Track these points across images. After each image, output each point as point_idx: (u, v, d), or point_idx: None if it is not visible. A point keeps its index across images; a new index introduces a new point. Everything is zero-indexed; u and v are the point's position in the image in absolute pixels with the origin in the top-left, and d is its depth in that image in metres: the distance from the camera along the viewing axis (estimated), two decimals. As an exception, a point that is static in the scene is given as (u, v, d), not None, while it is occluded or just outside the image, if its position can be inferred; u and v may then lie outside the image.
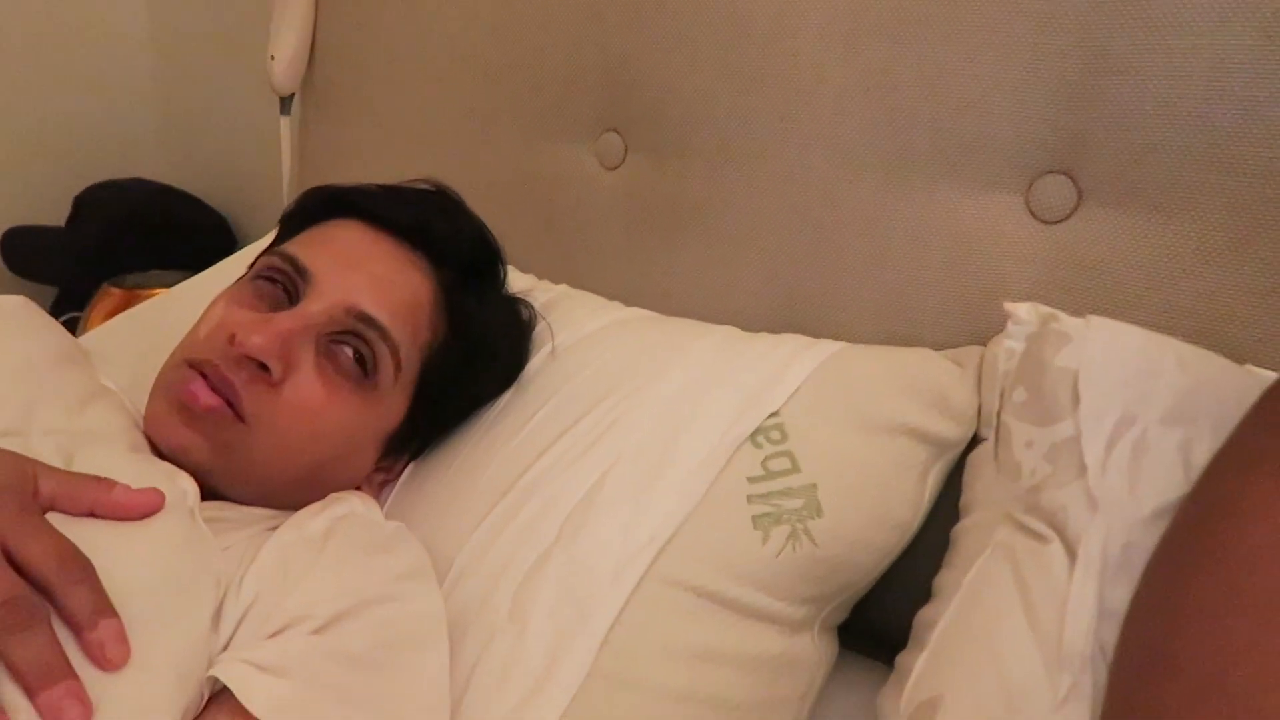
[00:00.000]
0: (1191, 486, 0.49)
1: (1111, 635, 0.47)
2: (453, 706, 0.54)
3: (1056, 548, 0.52)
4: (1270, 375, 0.53)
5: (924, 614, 0.61)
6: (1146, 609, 0.45)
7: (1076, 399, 0.55)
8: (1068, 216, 0.67)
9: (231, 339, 0.59)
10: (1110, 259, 0.66)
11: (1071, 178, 0.67)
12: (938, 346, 0.71)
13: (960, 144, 0.70)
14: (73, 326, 1.32)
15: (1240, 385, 0.54)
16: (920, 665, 0.55)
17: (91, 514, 0.48)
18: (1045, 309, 0.63)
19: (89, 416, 0.59)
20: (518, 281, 0.82)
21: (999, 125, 0.68)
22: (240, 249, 1.02)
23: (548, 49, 0.88)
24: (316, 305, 0.61)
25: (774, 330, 0.75)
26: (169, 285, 0.99)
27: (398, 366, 0.63)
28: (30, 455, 0.49)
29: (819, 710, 0.65)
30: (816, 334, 0.73)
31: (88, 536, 0.45)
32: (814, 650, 0.64)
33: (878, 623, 0.68)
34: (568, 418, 0.68)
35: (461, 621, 0.58)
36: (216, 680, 0.46)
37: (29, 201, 1.44)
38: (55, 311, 1.41)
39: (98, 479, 0.49)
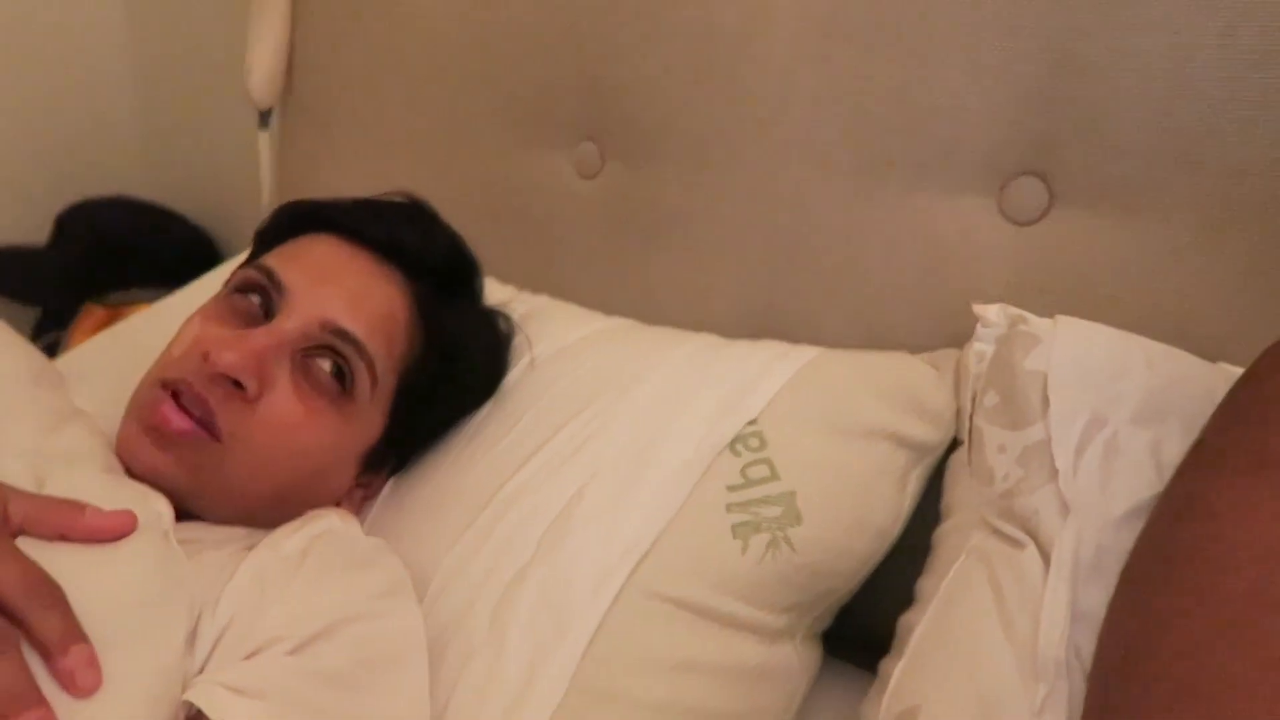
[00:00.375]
0: (1164, 487, 0.49)
1: (1085, 639, 0.47)
2: (433, 723, 0.54)
3: (1031, 553, 0.52)
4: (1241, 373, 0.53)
5: (906, 619, 0.61)
6: (1122, 613, 0.45)
7: (1046, 402, 0.55)
8: (1040, 218, 0.68)
9: (205, 357, 0.58)
10: (1083, 259, 0.66)
11: (1043, 179, 0.67)
12: (915, 350, 0.71)
13: (932, 148, 0.70)
14: (55, 346, 1.31)
15: (1210, 383, 0.55)
16: (898, 673, 0.55)
17: (62, 537, 0.48)
18: (1014, 311, 0.63)
19: (61, 438, 0.59)
20: (497, 292, 0.82)
21: (970, 129, 0.68)
22: (222, 264, 1.01)
23: (524, 59, 0.88)
24: (291, 321, 0.61)
25: (752, 337, 0.75)
26: (152, 302, 0.98)
27: (374, 381, 0.63)
28: (0, 479, 0.49)
29: (804, 719, 0.65)
30: (794, 340, 0.73)
31: (58, 561, 0.45)
32: (796, 659, 0.63)
33: (864, 629, 0.68)
34: (546, 429, 0.68)
35: (441, 638, 0.58)
36: (192, 704, 0.45)
37: (10, 221, 1.43)
38: (38, 331, 1.40)
39: (68, 502, 0.49)
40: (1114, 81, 0.63)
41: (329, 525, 0.61)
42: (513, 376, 0.74)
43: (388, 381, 0.65)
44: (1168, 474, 0.49)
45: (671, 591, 0.59)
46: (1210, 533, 0.42)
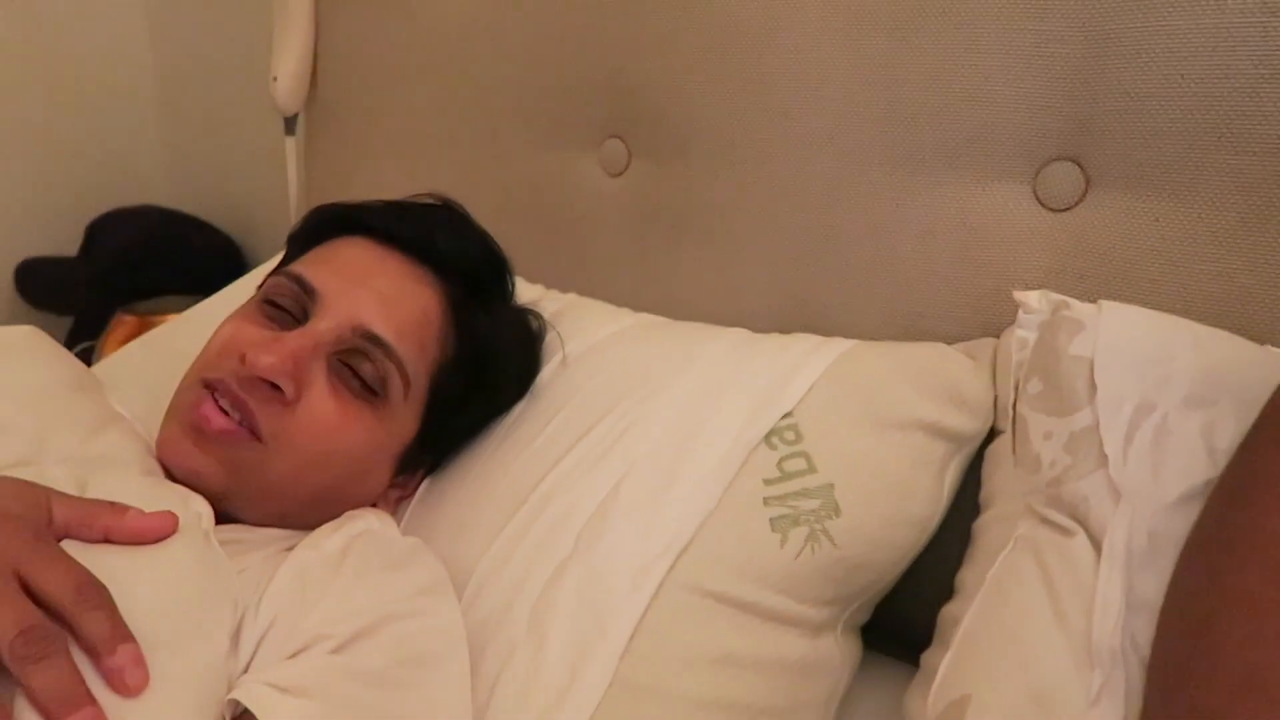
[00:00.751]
0: (1219, 470, 0.48)
1: (1141, 627, 0.46)
2: (475, 721, 0.54)
3: (1081, 540, 0.51)
4: (1290, 355, 0.52)
5: (948, 611, 0.60)
6: (1181, 598, 0.44)
7: (1093, 387, 0.54)
8: (1076, 203, 0.67)
9: (242, 359, 0.59)
10: (1121, 244, 0.65)
11: (1079, 164, 0.66)
12: (950, 340, 0.71)
13: (965, 135, 0.69)
14: (88, 355, 1.33)
15: (1261, 365, 0.54)
16: (946, 664, 0.54)
17: (106, 539, 0.48)
18: (1056, 296, 0.62)
19: (101, 443, 0.59)
20: (526, 292, 0.82)
21: (1003, 114, 0.68)
22: (250, 271, 1.02)
23: (548, 58, 0.88)
24: (324, 324, 0.61)
25: (784, 330, 0.75)
26: (181, 310, 0.99)
27: (406, 383, 0.63)
28: (44, 483, 0.49)
29: (845, 712, 0.65)
30: (827, 332, 0.73)
31: (103, 562, 0.45)
32: (837, 652, 0.63)
33: (902, 621, 0.67)
34: (580, 426, 0.67)
35: (481, 636, 0.58)
36: (237, 703, 0.45)
37: (42, 233, 1.46)
38: (71, 341, 1.42)
39: (111, 504, 0.49)
40: (1150, 62, 0.62)
41: (367, 525, 0.61)
42: (545, 375, 0.74)
43: (421, 383, 0.65)
44: (1221, 458, 0.48)
45: (711, 586, 0.58)
46: (1268, 514, 0.41)
